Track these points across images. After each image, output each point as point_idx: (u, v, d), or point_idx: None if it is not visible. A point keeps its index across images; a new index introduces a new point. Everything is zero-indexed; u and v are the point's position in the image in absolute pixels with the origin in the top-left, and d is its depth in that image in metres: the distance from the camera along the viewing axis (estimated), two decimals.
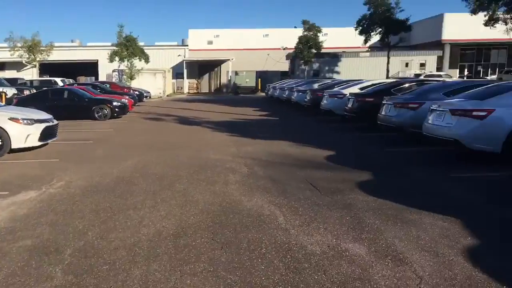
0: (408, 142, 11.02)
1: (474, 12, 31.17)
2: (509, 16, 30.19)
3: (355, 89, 16.48)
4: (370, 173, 7.79)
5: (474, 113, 8.12)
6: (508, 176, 7.39)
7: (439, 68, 45.07)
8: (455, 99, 9.16)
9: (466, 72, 51.48)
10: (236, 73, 52.24)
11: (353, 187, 6.79)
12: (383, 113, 11.79)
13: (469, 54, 52.98)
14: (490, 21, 31.04)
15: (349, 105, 14.62)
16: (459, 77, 47.39)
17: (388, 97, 11.88)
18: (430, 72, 39.78)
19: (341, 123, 16.12)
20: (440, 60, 46.56)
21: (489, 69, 52.23)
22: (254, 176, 7.70)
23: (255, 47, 53.18)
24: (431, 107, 9.28)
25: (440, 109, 8.89)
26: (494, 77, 47.08)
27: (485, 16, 31.38)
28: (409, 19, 34.58)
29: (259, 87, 48.74)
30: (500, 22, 30.90)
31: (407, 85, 13.99)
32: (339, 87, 18.54)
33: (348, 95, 15.45)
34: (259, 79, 49.84)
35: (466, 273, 3.81)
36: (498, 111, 8.00)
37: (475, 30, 44.06)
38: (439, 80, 16.04)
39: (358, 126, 14.77)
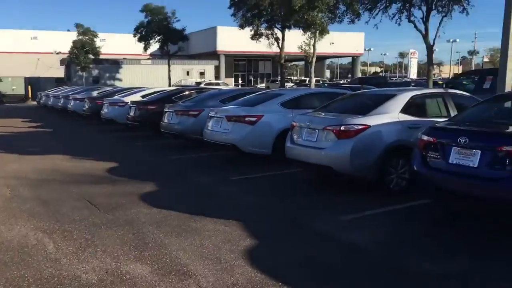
0: (191, 149, 11.22)
1: (241, 27, 34.33)
2: (270, 32, 34.29)
3: (137, 97, 16.07)
4: (155, 183, 7.55)
5: (246, 118, 8.72)
6: (280, 174, 8.15)
7: (217, 77, 48.27)
8: (230, 106, 9.69)
9: (240, 81, 56.57)
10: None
11: (136, 200, 6.43)
12: (165, 120, 11.73)
13: (241, 64, 58.46)
14: (256, 36, 34.68)
15: (132, 114, 14.14)
16: (234, 85, 51.68)
17: (170, 105, 11.88)
18: (209, 80, 42.21)
19: (124, 132, 15.47)
20: (217, 69, 49.92)
21: (259, 78, 58.63)
22: (18, 199, 6.56)
23: (22, 50, 47.32)
24: (210, 114, 9.62)
25: (218, 115, 9.28)
26: (263, 85, 52.93)
27: (251, 30, 34.94)
28: (185, 29, 35.94)
29: (30, 95, 43.43)
30: (263, 37, 34.77)
31: (187, 92, 14.31)
32: (120, 95, 17.81)
33: (129, 103, 14.93)
34: (29, 86, 44.40)
35: (247, 276, 3.89)
36: (267, 116, 8.77)
37: (245, 43, 48.82)
38: (216, 88, 16.97)
39: (142, 134, 14.41)
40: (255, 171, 8.42)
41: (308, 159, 6.81)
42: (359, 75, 62.02)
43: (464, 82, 13.00)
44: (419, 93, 7.08)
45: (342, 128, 6.32)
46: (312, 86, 21.90)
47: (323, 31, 31.66)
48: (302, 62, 70.63)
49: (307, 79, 50.00)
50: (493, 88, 11.56)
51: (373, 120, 6.41)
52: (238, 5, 32.79)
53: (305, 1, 22.48)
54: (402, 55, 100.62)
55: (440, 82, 33.50)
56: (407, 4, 22.75)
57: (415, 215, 5.77)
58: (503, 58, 10.20)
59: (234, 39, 48.87)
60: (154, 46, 37.77)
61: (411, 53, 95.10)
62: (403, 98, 6.80)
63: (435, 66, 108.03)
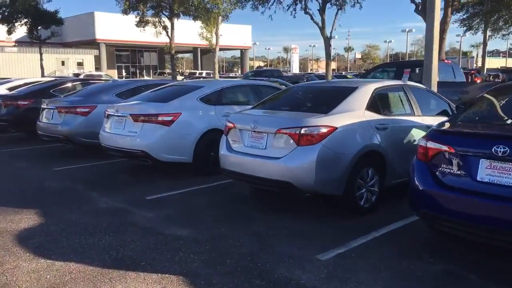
0: (84, 156, 8.92)
1: (125, 12, 31.25)
2: (157, 19, 31.75)
3: (2, 90, 12.88)
4: (36, 212, 5.35)
5: (160, 118, 6.84)
6: (210, 187, 6.46)
7: (97, 68, 43.94)
8: (134, 102, 7.66)
9: (124, 73, 52.45)
10: None
11: (9, 246, 4.26)
12: (44, 120, 9.20)
13: (124, 55, 54.23)
14: (141, 23, 31.85)
15: None
16: (118, 77, 47.67)
17: (49, 100, 9.35)
18: (90, 72, 38.02)
19: None
20: (97, 59, 45.47)
21: (144, 71, 55.04)
22: None
23: None
24: (108, 112, 7.51)
25: (119, 114, 7.23)
26: (149, 78, 49.67)
27: (136, 17, 31.98)
28: (58, 11, 31.50)
29: None
30: (150, 24, 32.10)
31: (69, 84, 11.70)
32: None
33: None
34: None
35: None
36: (185, 114, 6.99)
37: (128, 31, 45.13)
38: (101, 81, 14.43)
39: (13, 137, 11.50)
40: (177, 185, 6.61)
41: (254, 172, 5.20)
42: (248, 68, 61.82)
43: (378, 75, 12.51)
44: (382, 85, 5.85)
45: (303, 131, 4.83)
46: (217, 77, 20.14)
47: (215, 21, 30.23)
48: (188, 54, 68.45)
49: (197, 71, 48.25)
50: None
51: (338, 120, 4.99)
52: None
53: None
54: (286, 50, 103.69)
55: (349, 76, 34.17)
56: None
57: (414, 246, 4.35)
58: (428, 51, 9.72)
59: (115, 26, 44.95)
60: (21, 31, 32.58)
61: (292, 49, 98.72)
62: (367, 91, 5.53)
63: (313, 62, 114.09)
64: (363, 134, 5.16)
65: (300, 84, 7.56)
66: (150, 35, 32.51)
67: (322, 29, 22.03)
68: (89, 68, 42.47)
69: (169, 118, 6.87)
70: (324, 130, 4.82)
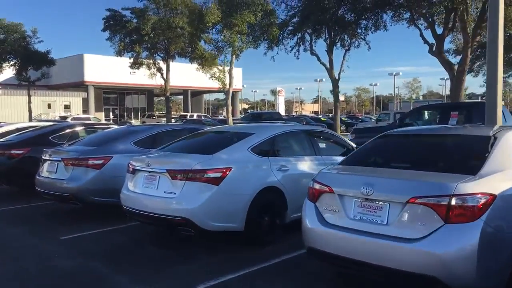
0: (95, 217, 7.31)
1: (119, 54, 30.26)
2: (151, 61, 30.80)
3: None
4: None
5: (208, 174, 5.34)
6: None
7: (85, 111, 42.41)
8: (171, 154, 6.16)
9: (111, 116, 50.91)
10: None
11: None
12: (45, 174, 7.58)
13: (112, 97, 52.94)
14: (135, 65, 30.85)
15: None
16: (105, 120, 46.07)
17: (52, 150, 7.77)
18: (77, 114, 36.43)
19: None
20: (85, 102, 43.99)
21: (132, 113, 53.64)
22: None
23: None
24: (133, 166, 5.99)
25: (151, 169, 5.71)
26: (137, 121, 48.25)
27: (130, 58, 30.98)
28: (50, 51, 30.26)
29: None
30: (144, 66, 31.11)
31: (71, 130, 10.13)
32: None
33: None
34: None
35: None
36: (236, 169, 5.51)
37: (117, 74, 44.14)
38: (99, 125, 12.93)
39: (5, 191, 9.81)
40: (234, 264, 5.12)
41: (369, 258, 3.69)
42: (238, 111, 61.09)
43: (417, 120, 11.29)
44: None
45: (455, 201, 3.38)
46: (230, 122, 18.73)
47: (213, 63, 29.31)
48: (179, 97, 67.54)
49: (188, 114, 47.06)
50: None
51: (495, 183, 3.60)
52: (114, 28, 28.64)
53: (219, 18, 18.94)
54: (273, 92, 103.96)
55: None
56: (311, 35, 21.46)
57: None
58: (492, 89, 8.50)
59: (104, 68, 43.94)
60: (8, 73, 31.04)
61: (278, 91, 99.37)
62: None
63: (296, 104, 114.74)
64: None
65: (405, 130, 5.92)
66: (139, 77, 31.43)
67: (330, 70, 21.13)
68: (76, 110, 40.90)
69: (218, 175, 5.37)
70: (483, 199, 3.37)
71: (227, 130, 7.03)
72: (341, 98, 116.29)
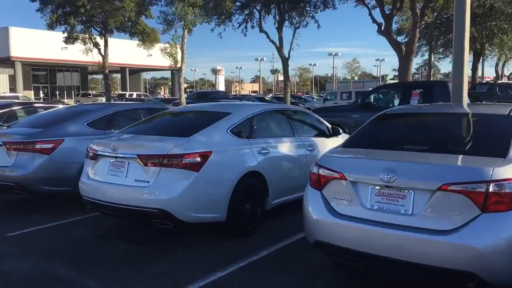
0: (45, 208, 6.45)
1: (51, 27, 28.04)
2: (87, 35, 28.83)
3: None
4: None
5: (186, 159, 4.72)
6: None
7: (12, 89, 39.06)
8: (141, 136, 5.42)
9: (41, 94, 47.41)
10: None
11: None
12: None
13: (42, 75, 49.26)
14: (70, 39, 28.74)
15: None
16: (35, 99, 42.79)
17: None
18: (4, 93, 33.41)
19: None
20: (12, 79, 40.51)
21: (65, 92, 50.34)
22: None
23: None
24: (95, 151, 5.22)
25: (119, 154, 4.97)
26: (71, 100, 45.41)
27: (63, 33, 28.80)
28: None
29: None
30: (79, 41, 29.09)
31: (9, 109, 8.93)
32: None
33: None
34: None
35: None
36: (217, 153, 4.92)
37: (47, 49, 40.99)
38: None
39: None
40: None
41: (395, 254, 3.29)
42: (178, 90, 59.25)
43: (382, 97, 11.19)
44: None
45: (493, 187, 3.05)
46: (183, 100, 17.61)
47: (155, 40, 27.95)
48: (116, 75, 64.29)
49: (127, 93, 44.86)
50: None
51: None
52: None
53: None
54: (214, 71, 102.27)
55: (267, 98, 32.87)
56: (260, 12, 20.82)
57: None
58: (457, 64, 8.43)
59: (33, 43, 40.56)
60: None
61: (218, 70, 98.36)
62: None
63: (236, 84, 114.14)
64: None
65: (409, 108, 5.47)
66: (71, 53, 29.29)
67: (279, 48, 20.69)
68: (2, 89, 37.59)
69: (198, 160, 4.77)
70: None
71: (200, 110, 6.34)
72: (281, 78, 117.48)
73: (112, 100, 35.05)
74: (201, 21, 16.00)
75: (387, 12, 18.58)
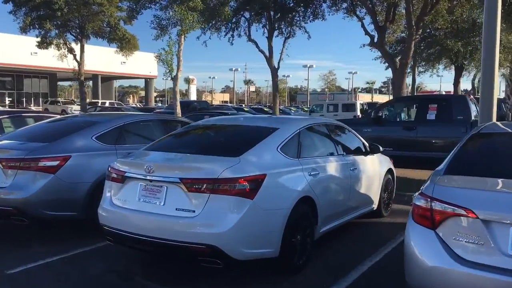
0: (55, 239, 5.49)
1: (23, 30, 26.60)
2: (61, 40, 27.49)
3: None
4: None
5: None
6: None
7: None
8: (182, 155, 4.57)
9: (7, 101, 45.01)
10: None
11: None
12: None
13: (7, 81, 46.88)
14: (43, 44, 27.29)
15: None
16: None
17: None
18: None
19: None
20: None
21: (33, 98, 48.07)
22: None
23: None
24: (121, 172, 4.35)
25: (154, 177, 4.12)
26: (39, 107, 43.34)
27: (37, 37, 27.35)
28: None
29: None
30: (53, 46, 27.68)
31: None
32: None
33: None
34: None
35: None
36: (271, 176, 4.15)
37: (14, 54, 39.08)
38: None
39: None
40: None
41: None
42: (153, 99, 57.92)
43: (394, 111, 10.68)
44: None
45: None
46: (178, 111, 16.54)
47: (134, 46, 26.92)
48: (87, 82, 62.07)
49: (99, 101, 43.20)
50: (442, 120, 9.46)
51: None
52: (19, 0, 24.88)
53: None
54: (187, 80, 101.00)
55: (246, 109, 31.98)
56: (249, 20, 20.18)
57: None
58: (487, 86, 7.95)
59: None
60: None
61: (191, 80, 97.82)
62: None
63: (207, 93, 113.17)
64: None
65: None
66: (40, 59, 27.82)
67: (269, 58, 20.07)
68: None
69: (252, 185, 3.99)
70: None
71: (239, 123, 5.52)
72: (252, 88, 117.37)
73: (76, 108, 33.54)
74: (199, 26, 15.21)
75: (380, 24, 18.29)
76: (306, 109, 45.49)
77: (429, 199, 3.07)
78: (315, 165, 4.87)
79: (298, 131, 4.96)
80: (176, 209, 3.97)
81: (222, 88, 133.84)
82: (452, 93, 29.99)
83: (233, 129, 5.27)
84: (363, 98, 65.10)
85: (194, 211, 3.90)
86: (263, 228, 4.07)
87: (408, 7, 16.39)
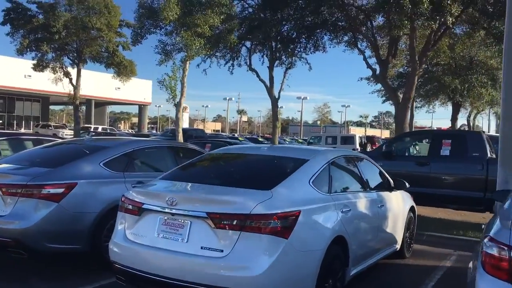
0: (53, 276, 4.94)
1: (20, 52, 26.29)
2: (58, 64, 27.21)
3: None
4: None
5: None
6: None
7: None
8: (205, 186, 4.14)
9: None
10: None
11: None
12: None
13: None
14: (39, 66, 26.98)
15: None
16: None
17: None
18: None
19: None
20: None
21: (24, 121, 47.35)
22: None
23: None
24: (138, 203, 3.89)
25: (177, 211, 3.68)
26: (29, 131, 42.60)
27: (33, 59, 27.06)
28: None
29: None
30: (49, 69, 27.37)
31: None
32: None
33: None
34: None
35: None
36: (305, 214, 3.74)
37: (7, 77, 38.64)
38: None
39: None
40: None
41: None
42: (146, 125, 57.52)
43: (404, 145, 10.38)
44: None
45: None
46: (180, 138, 16.15)
47: (132, 72, 26.72)
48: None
49: (91, 126, 42.66)
50: (457, 156, 9.17)
51: None
52: (17, 22, 24.66)
53: (177, 15, 15.71)
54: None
55: (241, 139, 31.69)
56: (250, 50, 20.10)
57: None
58: (508, 121, 7.60)
59: None
60: None
61: (184, 108, 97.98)
62: None
63: (199, 122, 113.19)
64: None
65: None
66: (33, 82, 27.45)
67: (270, 88, 19.88)
68: None
69: (287, 223, 3.57)
70: None
71: (264, 153, 5.10)
72: (244, 118, 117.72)
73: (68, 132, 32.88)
74: (205, 53, 15.00)
75: (383, 58, 18.30)
76: (300, 140, 45.24)
77: (506, 248, 2.67)
78: (346, 201, 4.47)
79: (329, 163, 4.58)
80: (202, 247, 3.52)
81: (214, 117, 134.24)
82: (442, 129, 30.07)
83: (258, 159, 4.84)
84: (355, 132, 65.54)
85: (222, 251, 3.45)
86: (298, 271, 3.63)
87: (411, 42, 16.41)
